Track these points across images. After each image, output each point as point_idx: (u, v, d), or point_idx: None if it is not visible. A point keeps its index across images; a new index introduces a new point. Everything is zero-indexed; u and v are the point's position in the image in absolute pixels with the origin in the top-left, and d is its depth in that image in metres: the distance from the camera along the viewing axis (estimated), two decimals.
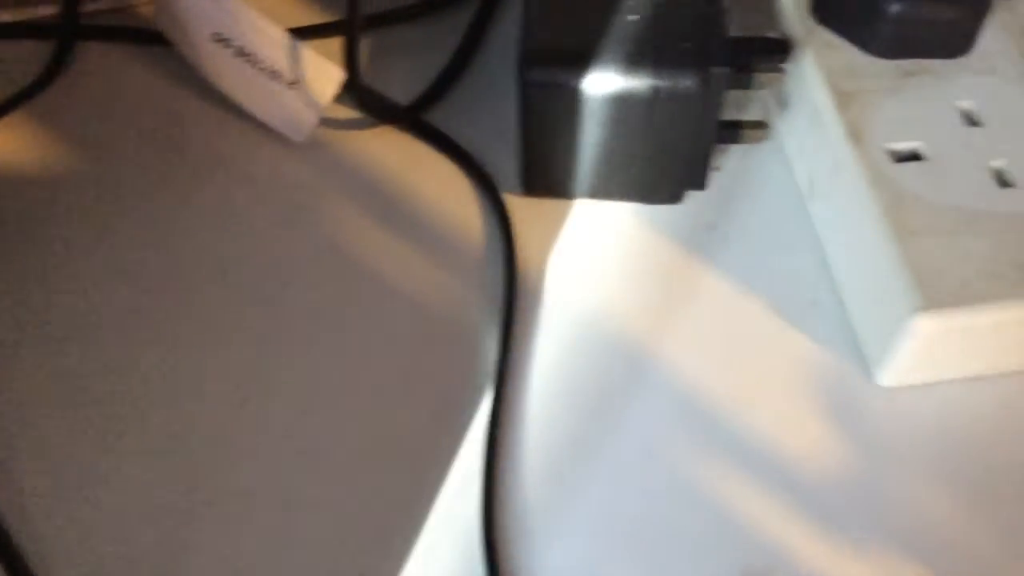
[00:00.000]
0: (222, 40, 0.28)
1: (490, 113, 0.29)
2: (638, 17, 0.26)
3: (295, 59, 0.28)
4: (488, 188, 0.28)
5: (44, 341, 0.25)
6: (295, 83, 0.28)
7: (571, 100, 0.25)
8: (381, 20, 0.31)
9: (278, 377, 0.25)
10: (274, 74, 0.28)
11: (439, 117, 0.29)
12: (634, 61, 0.25)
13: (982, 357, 0.24)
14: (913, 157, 0.25)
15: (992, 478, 0.23)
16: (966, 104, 0.26)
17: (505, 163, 0.28)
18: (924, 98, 0.26)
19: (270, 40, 0.27)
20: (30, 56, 0.31)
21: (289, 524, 0.22)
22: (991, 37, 0.27)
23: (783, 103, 0.29)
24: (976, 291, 0.23)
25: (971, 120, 0.26)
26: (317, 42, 0.30)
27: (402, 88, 0.30)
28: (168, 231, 0.27)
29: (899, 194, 0.24)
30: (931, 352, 0.23)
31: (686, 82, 0.24)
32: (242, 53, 0.28)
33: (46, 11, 0.32)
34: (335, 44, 0.30)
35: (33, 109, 0.30)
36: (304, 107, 0.28)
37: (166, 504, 0.23)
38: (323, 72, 0.28)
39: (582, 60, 0.25)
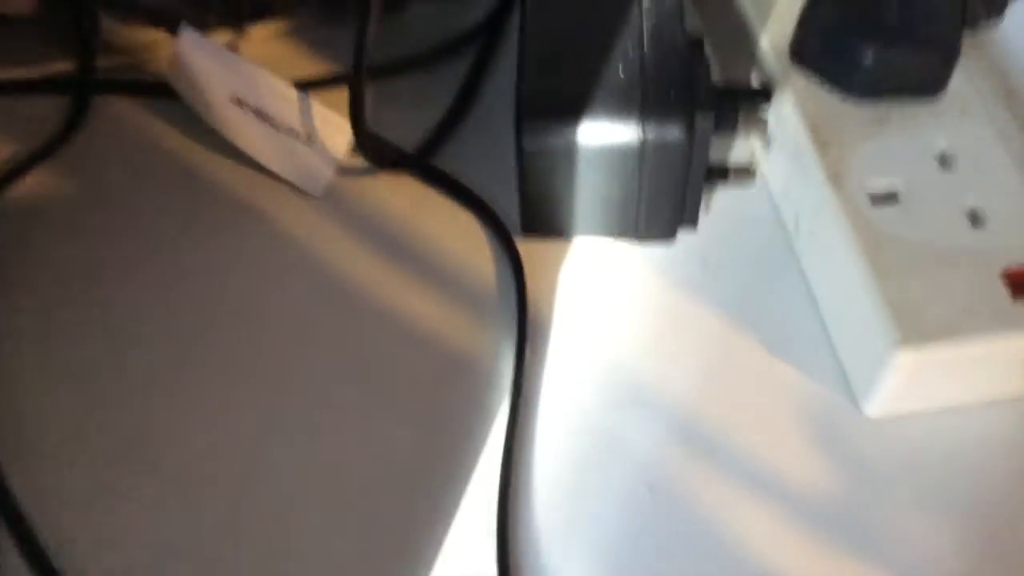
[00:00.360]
0: (238, 101, 0.29)
1: (490, 157, 0.31)
2: (626, 67, 0.27)
3: (308, 116, 0.29)
4: (498, 228, 0.29)
5: (71, 381, 0.26)
6: (310, 139, 0.29)
7: (566, 151, 0.27)
8: (381, 71, 0.32)
9: (299, 405, 0.26)
10: (290, 131, 0.29)
11: (443, 162, 0.31)
12: (624, 112, 0.26)
13: (962, 388, 0.25)
14: (890, 198, 0.26)
15: (978, 505, 0.25)
16: (940, 145, 0.27)
17: (506, 203, 0.30)
18: (900, 140, 0.27)
19: (284, 99, 0.29)
20: (48, 111, 0.32)
21: (306, 546, 0.24)
22: (962, 79, 0.29)
23: (767, 144, 0.30)
24: (953, 326, 0.24)
25: (945, 161, 0.27)
26: (324, 92, 0.32)
27: (406, 136, 0.31)
28: (186, 279, 0.29)
29: (878, 234, 0.26)
30: (913, 384, 0.25)
31: (673, 131, 0.26)
32: (258, 113, 0.29)
33: (63, 67, 0.33)
34: (341, 95, 0.31)
35: (53, 163, 0.31)
36: (319, 162, 0.29)
37: (195, 529, 0.24)
38: (335, 127, 0.29)
39: (575, 113, 0.26)
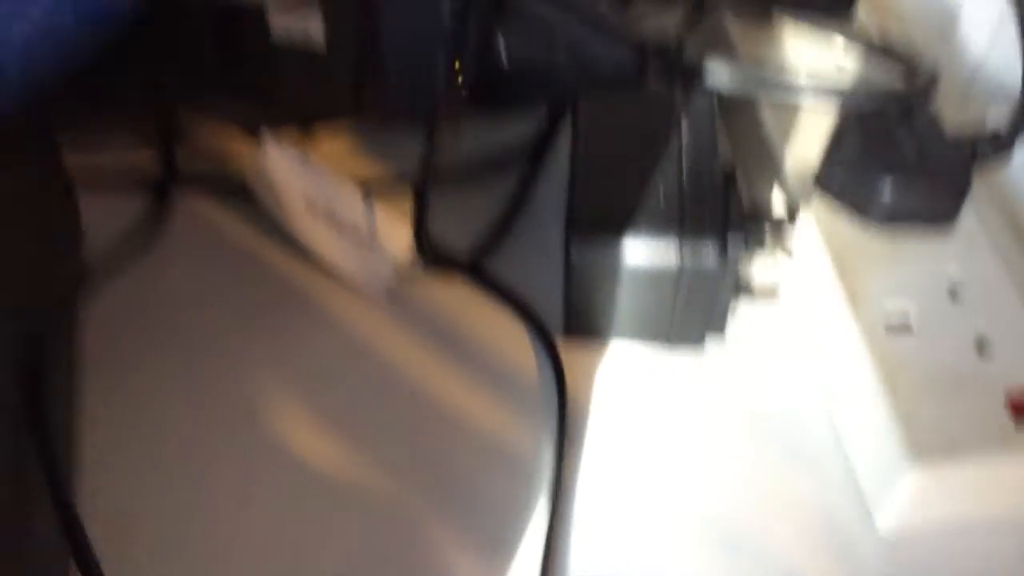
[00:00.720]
0: (310, 205, 0.32)
1: (537, 263, 0.34)
2: (666, 193, 0.30)
3: (372, 220, 0.32)
4: (541, 330, 0.32)
5: (162, 475, 0.29)
6: (373, 241, 0.32)
7: (610, 265, 0.29)
8: (441, 180, 0.35)
9: (349, 493, 0.28)
10: (355, 233, 0.32)
11: (493, 266, 0.34)
12: (663, 234, 0.29)
13: (972, 505, 0.28)
14: (905, 326, 0.29)
15: None
16: (951, 275, 0.30)
17: (549, 306, 0.32)
18: (914, 269, 0.30)
19: (351, 203, 0.32)
20: (132, 203, 0.35)
21: None
22: (972, 211, 0.31)
23: (791, 262, 0.33)
24: (960, 446, 0.26)
25: (955, 291, 0.30)
26: (385, 193, 0.35)
27: (461, 241, 0.34)
28: (257, 372, 0.31)
29: (892, 357, 0.28)
30: (923, 499, 0.27)
31: (707, 254, 0.29)
32: (327, 215, 0.32)
33: (141, 157, 0.37)
34: (402, 195, 0.34)
35: (132, 272, 0.34)
36: (380, 263, 0.32)
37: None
38: (397, 231, 0.32)
39: (619, 232, 0.29)
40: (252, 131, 0.34)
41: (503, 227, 0.34)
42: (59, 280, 0.31)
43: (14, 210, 0.29)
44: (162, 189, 0.35)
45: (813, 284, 0.31)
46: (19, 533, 0.24)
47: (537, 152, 0.36)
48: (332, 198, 0.33)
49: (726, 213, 0.29)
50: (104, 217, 0.34)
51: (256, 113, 0.35)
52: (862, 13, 0.38)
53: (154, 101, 0.36)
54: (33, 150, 0.32)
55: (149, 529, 0.28)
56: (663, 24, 0.38)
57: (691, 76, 0.33)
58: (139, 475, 0.29)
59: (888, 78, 0.34)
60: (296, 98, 0.35)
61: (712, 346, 0.32)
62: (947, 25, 0.38)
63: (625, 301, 0.31)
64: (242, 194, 0.35)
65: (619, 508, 0.28)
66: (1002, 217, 0.32)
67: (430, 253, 0.33)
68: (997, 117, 0.33)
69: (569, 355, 0.32)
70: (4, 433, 0.25)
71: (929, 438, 0.26)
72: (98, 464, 0.29)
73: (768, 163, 0.34)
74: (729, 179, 0.30)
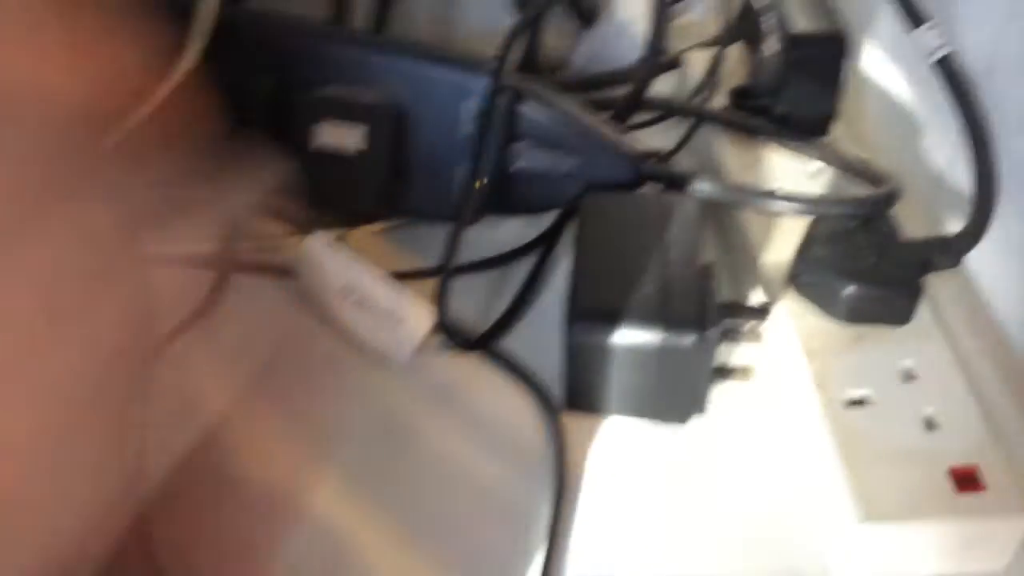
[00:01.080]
0: (346, 289, 0.37)
1: (543, 343, 0.38)
2: (654, 283, 0.35)
3: (401, 302, 0.37)
4: (545, 402, 0.36)
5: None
6: (399, 321, 0.37)
7: (603, 347, 0.34)
8: (461, 269, 0.40)
9: (355, 548, 0.32)
10: (384, 313, 0.37)
11: (505, 344, 0.38)
12: (650, 321, 0.33)
13: (919, 562, 0.31)
14: (862, 403, 0.33)
15: None
16: (906, 363, 0.34)
17: (553, 381, 0.37)
18: (873, 357, 0.34)
19: (383, 290, 0.37)
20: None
21: None
22: (927, 308, 0.36)
23: (764, 347, 0.37)
24: (906, 510, 0.30)
25: (908, 376, 0.34)
26: (413, 281, 0.39)
27: (477, 321, 0.39)
28: (285, 423, 0.36)
29: (850, 432, 0.32)
30: (875, 558, 0.31)
31: (687, 341, 0.33)
32: (360, 298, 0.37)
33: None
34: (427, 284, 0.39)
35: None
36: (405, 339, 0.37)
37: None
38: (421, 314, 0.37)
39: (612, 318, 0.33)
40: (299, 224, 0.39)
41: (514, 310, 0.39)
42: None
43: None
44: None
45: (784, 366, 0.36)
46: None
47: (548, 245, 0.41)
48: (363, 283, 0.38)
49: (705, 304, 0.34)
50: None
51: (303, 209, 0.40)
52: (836, 133, 0.43)
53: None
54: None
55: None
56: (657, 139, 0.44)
57: (681, 185, 0.38)
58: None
59: (854, 191, 0.39)
60: (336, 198, 0.41)
61: (694, 420, 0.36)
62: (911, 144, 0.43)
63: (617, 379, 0.35)
64: (287, 276, 0.40)
65: (608, 559, 0.32)
66: (955, 313, 0.36)
67: (448, 330, 0.38)
68: (952, 227, 0.37)
69: (568, 424, 0.36)
70: None
71: (880, 501, 0.30)
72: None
73: (747, 261, 0.39)
74: (709, 274, 0.35)
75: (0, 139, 0.19)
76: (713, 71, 0.45)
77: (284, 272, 0.40)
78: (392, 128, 0.39)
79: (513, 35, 0.40)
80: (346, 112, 0.39)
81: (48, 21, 0.22)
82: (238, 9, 0.41)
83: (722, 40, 0.46)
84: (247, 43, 0.40)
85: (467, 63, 0.39)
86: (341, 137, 0.39)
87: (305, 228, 0.39)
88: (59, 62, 0.22)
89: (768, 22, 0.43)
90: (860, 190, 0.38)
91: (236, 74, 0.39)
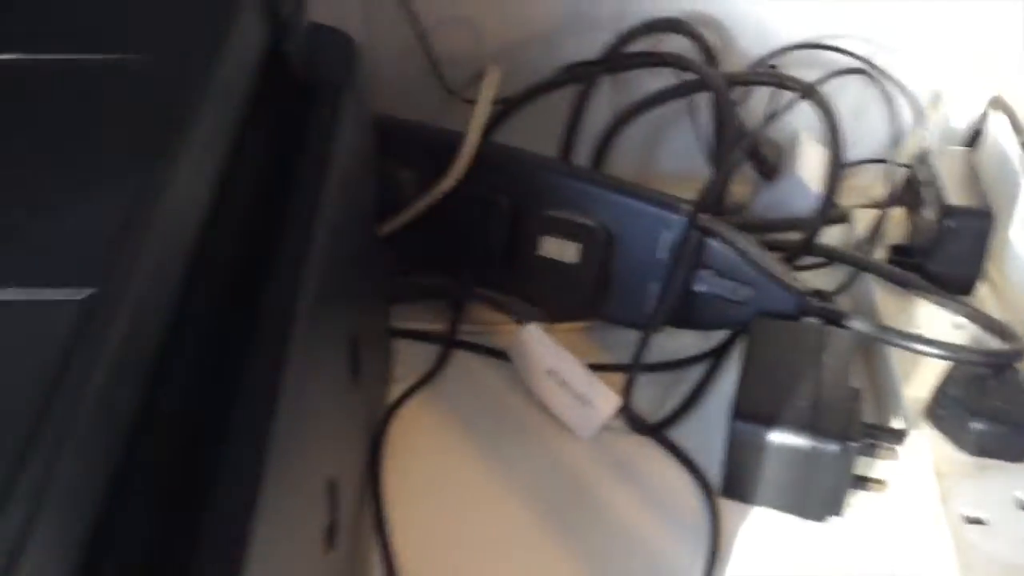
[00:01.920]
0: (549, 372, 0.46)
1: (709, 436, 0.46)
2: (808, 395, 0.42)
3: (594, 389, 0.45)
4: (705, 487, 0.44)
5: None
6: (589, 402, 0.45)
7: (760, 446, 0.41)
8: (644, 369, 0.49)
9: None
10: (577, 395, 0.46)
11: (675, 433, 0.46)
12: (802, 429, 0.41)
13: None
14: (980, 521, 0.39)
15: None
16: (1020, 494, 0.40)
17: (714, 469, 0.44)
18: (993, 485, 0.40)
19: (581, 376, 0.46)
20: (418, 353, 0.51)
21: None
22: None
23: (899, 467, 0.43)
24: None
25: (1022, 505, 0.39)
26: (604, 374, 0.48)
27: (653, 412, 0.47)
28: (487, 479, 0.44)
29: (968, 545, 0.38)
30: None
31: (832, 449, 0.40)
32: (560, 381, 0.46)
33: (434, 324, 0.52)
34: (615, 377, 0.48)
35: (420, 397, 0.49)
36: (594, 418, 0.45)
37: None
38: (607, 398, 0.45)
39: (770, 423, 0.41)
40: (518, 316, 0.49)
41: (686, 406, 0.47)
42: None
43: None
44: (447, 346, 0.51)
45: (915, 484, 0.42)
46: None
47: (719, 355, 0.49)
48: (565, 368, 0.47)
49: (850, 420, 0.41)
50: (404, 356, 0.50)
51: (522, 303, 0.50)
52: (980, 292, 0.50)
53: (453, 282, 0.52)
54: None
55: None
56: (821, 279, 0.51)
57: (838, 321, 0.46)
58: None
59: (990, 344, 0.45)
60: (550, 298, 0.51)
61: (831, 520, 0.42)
62: None
63: (768, 475, 0.42)
64: (502, 357, 0.49)
65: None
66: None
67: (628, 416, 0.46)
68: None
69: (723, 507, 0.43)
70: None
71: None
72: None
73: (891, 393, 0.46)
74: (856, 396, 0.42)
75: None
76: (877, 228, 0.53)
77: (500, 353, 0.50)
78: (602, 247, 0.49)
79: (712, 187, 0.49)
80: (567, 231, 0.49)
81: None
82: (488, 143, 0.52)
83: (887, 202, 0.54)
84: (494, 170, 0.51)
85: (668, 202, 0.48)
86: (560, 250, 0.49)
87: (522, 319, 0.49)
88: None
89: (928, 192, 0.50)
90: (995, 344, 0.45)
91: (483, 192, 0.50)
